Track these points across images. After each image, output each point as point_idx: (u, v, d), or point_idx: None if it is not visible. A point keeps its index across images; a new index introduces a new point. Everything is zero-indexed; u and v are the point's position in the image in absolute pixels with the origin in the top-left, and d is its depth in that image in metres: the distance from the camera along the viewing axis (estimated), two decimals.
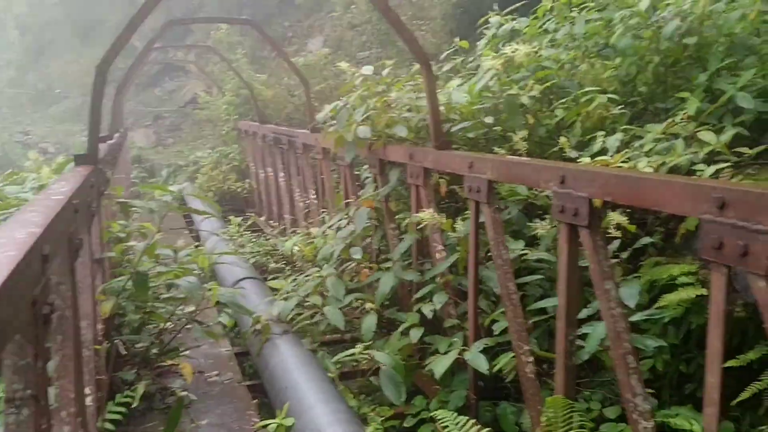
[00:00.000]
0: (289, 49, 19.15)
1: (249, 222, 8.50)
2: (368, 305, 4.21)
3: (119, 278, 3.58)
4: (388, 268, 4.39)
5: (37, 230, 1.67)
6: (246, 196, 12.17)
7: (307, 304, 4.49)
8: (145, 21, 3.83)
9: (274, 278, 6.89)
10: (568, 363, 2.98)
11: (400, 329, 4.06)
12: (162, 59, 20.82)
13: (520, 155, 4.66)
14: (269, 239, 7.86)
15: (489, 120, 4.97)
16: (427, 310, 4.00)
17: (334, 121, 5.26)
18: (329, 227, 4.97)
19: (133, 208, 5.88)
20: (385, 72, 5.35)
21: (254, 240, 7.78)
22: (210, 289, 3.92)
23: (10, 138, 21.08)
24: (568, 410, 2.77)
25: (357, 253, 4.50)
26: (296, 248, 6.15)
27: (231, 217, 8.51)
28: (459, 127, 4.91)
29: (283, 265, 6.81)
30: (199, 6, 21.07)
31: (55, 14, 25.49)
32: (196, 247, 8.32)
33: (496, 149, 4.81)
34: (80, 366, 2.40)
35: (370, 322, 4.08)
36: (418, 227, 4.38)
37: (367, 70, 5.07)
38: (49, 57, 26.74)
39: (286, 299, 4.68)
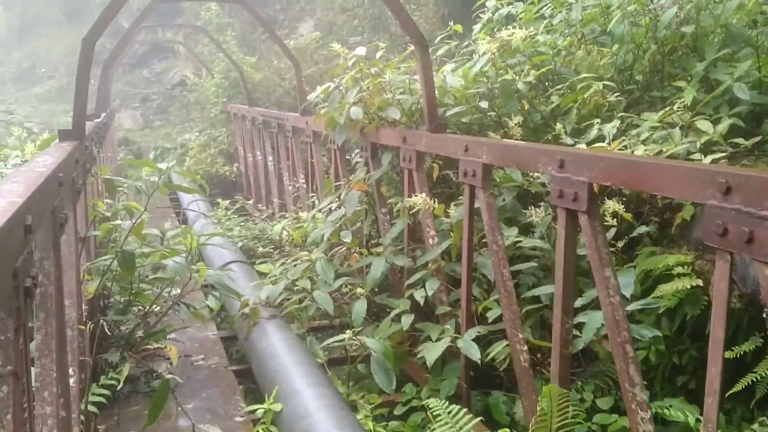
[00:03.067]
0: (279, 32, 18.95)
1: (237, 206, 8.39)
2: (358, 290, 4.14)
3: (105, 257, 3.49)
4: (379, 254, 4.32)
5: (18, 200, 1.59)
6: (234, 180, 12.05)
7: (296, 288, 4.42)
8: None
9: (262, 263, 6.82)
10: (564, 352, 2.93)
11: (391, 315, 4.00)
12: (150, 39, 20.56)
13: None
14: (257, 223, 7.76)
15: (484, 105, 4.90)
16: (419, 296, 3.93)
17: (326, 104, 5.17)
18: (319, 211, 4.89)
19: (120, 188, 5.78)
20: (378, 55, 5.26)
21: (242, 224, 7.68)
22: (197, 271, 3.83)
23: None
24: (564, 400, 2.72)
25: (347, 237, 4.42)
26: (285, 232, 6.07)
27: (219, 200, 8.40)
28: (453, 112, 4.85)
29: (272, 250, 6.72)
30: None
31: None
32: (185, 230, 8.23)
33: (490, 134, 4.75)
34: (63, 345, 2.32)
35: (360, 308, 4.01)
36: (411, 212, 4.31)
37: (361, 51, 4.97)
38: (34, 35, 26.33)
39: (274, 283, 4.60)
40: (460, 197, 4.38)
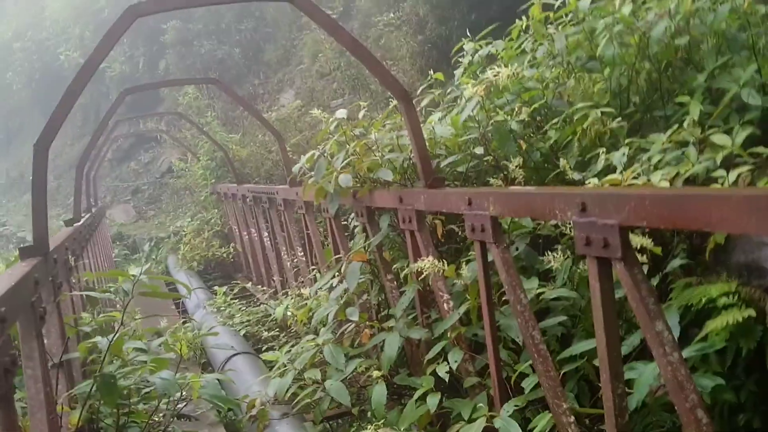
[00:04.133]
0: (261, 105, 18.91)
1: (236, 289, 8.00)
2: (375, 373, 3.72)
3: (85, 383, 3.10)
4: (391, 328, 3.91)
5: None
6: (233, 261, 11.70)
7: (306, 379, 3.99)
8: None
9: (269, 348, 6.40)
10: (621, 422, 2.50)
11: (415, 397, 3.57)
12: (134, 132, 20.51)
13: (518, 184, 4.26)
14: (260, 305, 7.36)
15: (479, 150, 4.58)
16: (443, 371, 3.52)
17: (313, 173, 4.86)
18: (321, 287, 4.50)
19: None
20: (360, 114, 4.97)
21: (244, 308, 7.28)
22: (188, 384, 3.41)
23: None
24: None
25: (354, 315, 4.03)
26: (289, 313, 5.68)
27: (216, 288, 8.02)
28: (447, 162, 4.53)
29: (277, 333, 6.31)
30: (165, 75, 20.83)
31: (21, 99, 25.23)
32: (184, 323, 7.81)
33: (491, 181, 4.42)
34: None
35: (379, 394, 3.59)
36: (419, 278, 3.93)
37: (341, 113, 4.68)
38: (19, 143, 26.37)
39: (282, 375, 4.18)
40: (471, 253, 4.01)
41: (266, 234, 8.74)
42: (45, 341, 3.43)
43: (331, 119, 4.82)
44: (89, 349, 3.29)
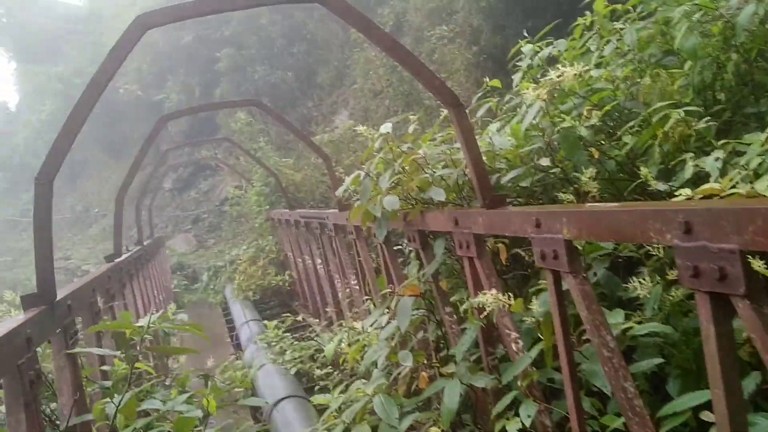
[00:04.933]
0: (315, 128, 18.70)
1: (288, 322, 7.57)
2: (432, 430, 3.17)
3: None
4: (451, 374, 3.36)
5: None
6: (289, 289, 11.34)
7: None
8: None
9: (321, 388, 5.91)
10: None
11: None
12: (193, 161, 20.64)
13: (592, 199, 3.67)
14: (313, 337, 6.90)
15: (545, 162, 4.01)
16: (513, 428, 2.94)
17: (359, 195, 4.39)
18: (372, 325, 3.98)
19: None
20: (410, 129, 4.48)
21: (295, 343, 6.83)
22: None
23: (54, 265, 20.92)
24: None
25: (407, 359, 3.49)
26: (342, 347, 5.20)
27: (266, 322, 7.61)
28: (510, 177, 3.97)
29: (330, 370, 5.82)
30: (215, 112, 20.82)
31: (83, 134, 25.77)
32: (237, 358, 7.43)
33: (560, 196, 3.84)
34: None
35: None
36: (482, 314, 3.37)
37: (386, 127, 4.19)
38: (83, 178, 27.01)
39: (331, 429, 3.67)
40: (542, 281, 3.44)
41: (319, 261, 8.32)
42: (59, 399, 3.03)
43: (376, 135, 4.34)
44: (102, 411, 2.86)
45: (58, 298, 3.09)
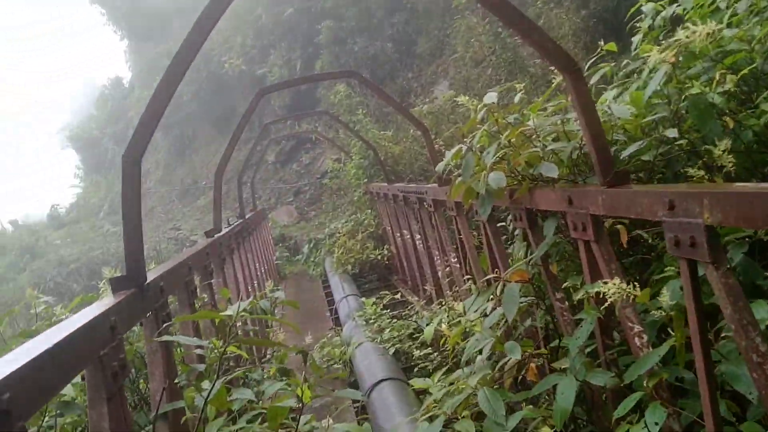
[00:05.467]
0: (414, 100, 18.39)
1: (386, 299, 7.38)
2: (544, 430, 2.86)
3: None
4: (564, 369, 3.03)
5: None
6: (387, 264, 11.20)
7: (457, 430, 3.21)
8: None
9: (420, 370, 5.70)
10: None
11: None
12: (293, 134, 20.86)
13: (727, 175, 3.22)
14: (412, 315, 6.69)
15: (672, 133, 3.56)
16: None
17: (460, 170, 4.09)
18: (475, 311, 3.69)
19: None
20: (516, 99, 4.11)
21: (394, 321, 6.64)
22: None
23: (164, 236, 21.85)
24: None
25: (515, 351, 3.18)
26: (442, 327, 4.95)
27: (363, 299, 7.46)
28: (631, 151, 3.55)
29: (430, 351, 5.60)
30: (313, 83, 20.79)
31: (191, 110, 26.66)
32: (335, 334, 7.35)
33: (690, 172, 3.39)
34: None
35: None
36: (601, 303, 3.01)
37: (491, 97, 3.85)
38: (191, 152, 27.93)
39: (430, 420, 3.43)
40: (670, 268, 3.04)
41: (418, 236, 8.08)
42: (150, 384, 2.95)
43: (479, 105, 4.01)
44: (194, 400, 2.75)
45: (150, 279, 3.00)
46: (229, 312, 2.55)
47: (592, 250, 3.26)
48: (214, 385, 2.49)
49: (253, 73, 23.57)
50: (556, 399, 2.91)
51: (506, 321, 3.38)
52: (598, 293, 3.02)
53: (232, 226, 7.62)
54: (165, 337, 2.70)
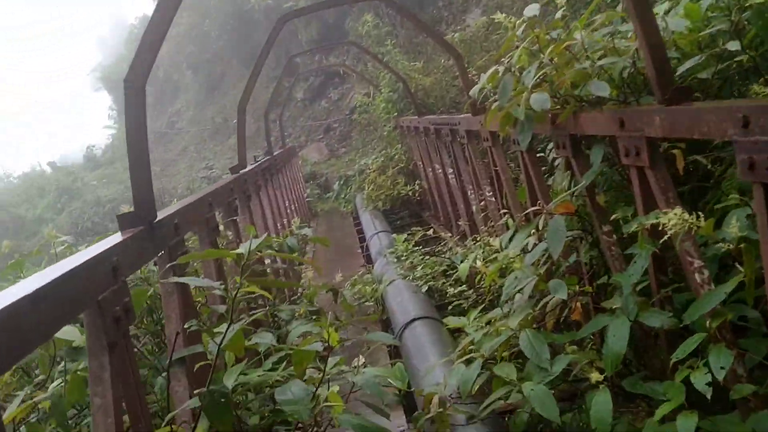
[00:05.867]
0: (446, 29, 17.71)
1: (417, 236, 7.13)
2: (593, 375, 2.61)
3: (192, 400, 2.35)
4: (613, 310, 2.75)
5: None
6: (419, 199, 10.92)
7: (497, 373, 2.97)
8: None
9: (455, 308, 5.48)
10: None
11: (657, 417, 2.42)
12: (321, 70, 20.39)
13: None
14: (446, 251, 6.44)
15: (734, 46, 3.17)
16: (701, 382, 2.33)
17: (496, 95, 3.75)
18: (513, 245, 3.40)
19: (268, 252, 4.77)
20: (558, 14, 3.72)
21: (426, 258, 6.40)
22: (326, 406, 2.51)
23: (197, 175, 21.83)
24: None
25: (560, 290, 2.91)
26: (477, 264, 4.71)
27: (395, 236, 7.22)
28: (686, 67, 3.18)
29: (465, 288, 5.36)
30: (348, 6, 20.15)
31: (220, 47, 26.20)
32: (367, 271, 7.16)
33: (754, 89, 3.01)
34: None
35: (602, 406, 2.49)
36: (657, 237, 2.71)
37: (531, 10, 3.47)
38: (221, 91, 27.60)
39: (467, 363, 3.21)
40: (730, 196, 2.71)
41: (450, 171, 7.75)
42: (166, 328, 2.76)
43: (518, 21, 3.63)
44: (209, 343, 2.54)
45: (163, 216, 2.77)
46: (240, 250, 2.31)
47: (646, 177, 2.94)
48: (227, 330, 2.28)
49: (279, 6, 22.91)
50: (607, 342, 2.65)
51: (549, 257, 3.10)
52: (653, 225, 2.72)
53: (259, 162, 7.38)
54: (172, 279, 2.48)
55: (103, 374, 1.88)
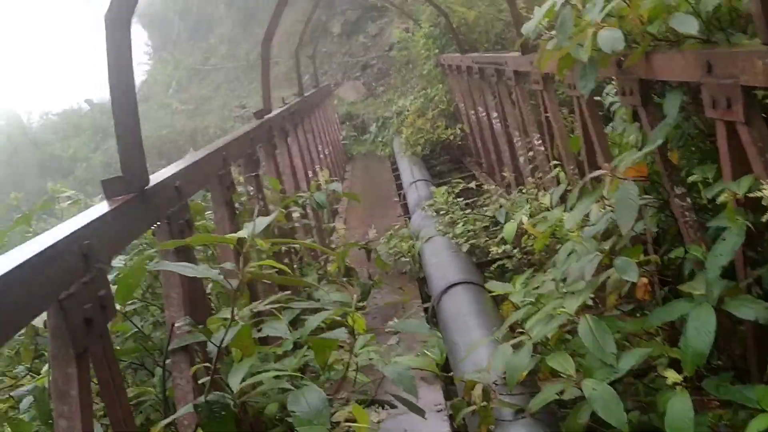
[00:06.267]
0: None
1: (458, 188, 6.64)
2: (670, 375, 2.17)
3: (186, 407, 1.99)
4: (694, 295, 2.28)
5: None
6: (460, 144, 10.36)
7: (550, 364, 2.55)
8: None
9: (498, 269, 5.05)
10: None
11: (754, 426, 1.99)
12: (359, 3, 19.59)
13: None
14: (488, 205, 5.96)
15: None
16: None
17: (553, 32, 3.22)
18: (574, 217, 2.91)
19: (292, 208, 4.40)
20: None
21: (468, 212, 5.93)
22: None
23: (230, 113, 21.46)
24: None
25: (630, 272, 2.44)
26: (524, 222, 4.27)
27: (433, 189, 6.75)
28: None
29: (509, 248, 4.91)
30: None
31: None
32: (404, 224, 6.73)
33: None
34: None
35: (680, 413, 2.06)
36: (754, 211, 2.21)
37: None
38: (256, 25, 26.82)
39: (515, 347, 2.79)
40: None
41: (495, 115, 7.20)
42: (166, 311, 2.39)
43: None
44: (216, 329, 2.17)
45: (159, 180, 2.37)
46: (243, 233, 1.90)
47: (738, 134, 2.42)
48: (229, 327, 1.89)
49: None
50: (687, 336, 2.20)
51: (618, 234, 2.62)
52: (749, 197, 2.23)
53: (287, 105, 6.93)
54: (156, 265, 2.10)
55: (70, 389, 1.51)
